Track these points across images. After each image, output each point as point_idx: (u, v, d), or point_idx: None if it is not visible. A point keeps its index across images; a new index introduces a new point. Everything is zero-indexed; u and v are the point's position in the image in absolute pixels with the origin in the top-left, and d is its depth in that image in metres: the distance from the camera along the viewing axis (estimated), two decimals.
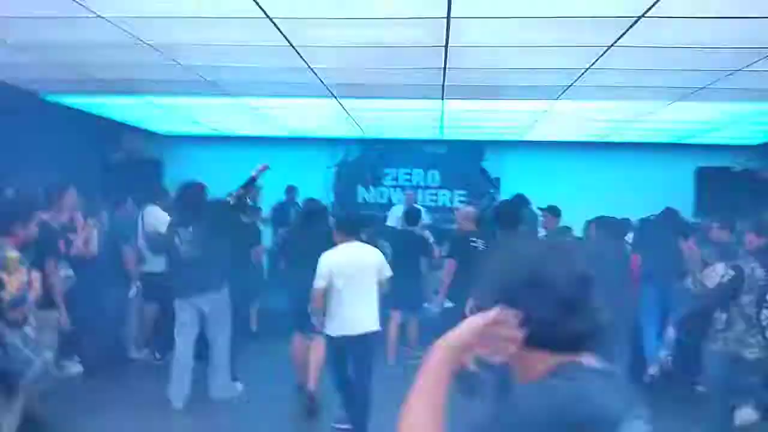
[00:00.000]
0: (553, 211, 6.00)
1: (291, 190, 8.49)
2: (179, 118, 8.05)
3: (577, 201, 7.76)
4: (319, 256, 4.06)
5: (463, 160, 9.98)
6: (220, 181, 7.32)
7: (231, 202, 4.94)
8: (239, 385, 5.06)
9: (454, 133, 8.87)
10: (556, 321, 1.08)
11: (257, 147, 9.64)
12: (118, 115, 7.99)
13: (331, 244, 4.20)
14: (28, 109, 6.59)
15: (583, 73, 5.01)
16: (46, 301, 4.06)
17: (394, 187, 10.12)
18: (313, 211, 5.43)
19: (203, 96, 6.52)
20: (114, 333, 5.94)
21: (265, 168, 5.23)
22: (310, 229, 5.05)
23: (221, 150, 9.70)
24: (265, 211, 7.68)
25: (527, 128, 8.13)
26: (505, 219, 4.65)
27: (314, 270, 4.02)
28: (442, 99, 6.35)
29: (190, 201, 4.91)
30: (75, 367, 5.39)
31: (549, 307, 1.08)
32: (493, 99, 6.30)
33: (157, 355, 5.83)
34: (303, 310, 4.37)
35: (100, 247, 5.28)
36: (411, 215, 6.40)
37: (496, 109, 6.74)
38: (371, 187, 10.17)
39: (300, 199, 8.10)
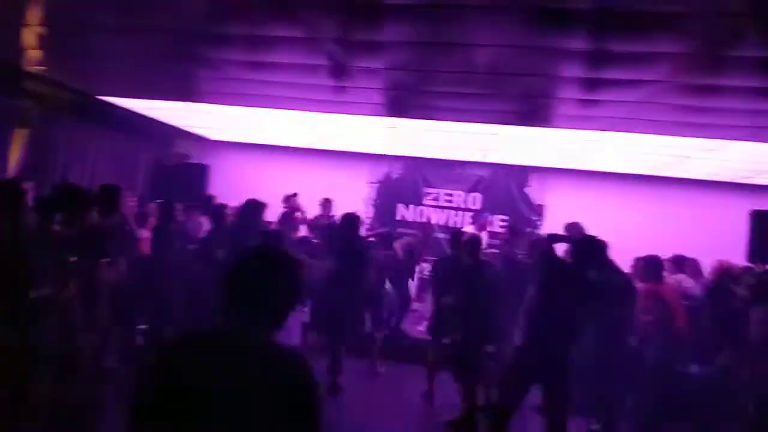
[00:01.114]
0: None
1: (326, 204, 8.46)
2: (228, 125, 8.24)
3: (624, 235, 7.54)
4: None
5: (507, 185, 9.84)
6: (263, 187, 7.51)
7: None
8: None
9: (497, 155, 8.76)
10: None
11: (300, 158, 9.82)
12: (170, 119, 8.23)
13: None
14: (84, 109, 6.87)
15: (636, 107, 4.88)
16: (91, 297, 4.18)
17: (434, 207, 10.05)
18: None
19: (251, 106, 6.66)
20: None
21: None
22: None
23: (266, 158, 9.90)
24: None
25: (574, 157, 7.96)
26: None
27: None
28: (489, 123, 6.30)
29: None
30: (113, 361, 5.52)
31: None
32: (542, 127, 6.20)
33: None
34: None
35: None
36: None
37: (544, 135, 6.62)
38: (411, 206, 10.13)
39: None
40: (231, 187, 8.65)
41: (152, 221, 6.09)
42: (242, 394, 1.45)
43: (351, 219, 5.53)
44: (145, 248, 5.52)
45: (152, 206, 6.54)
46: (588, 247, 3.91)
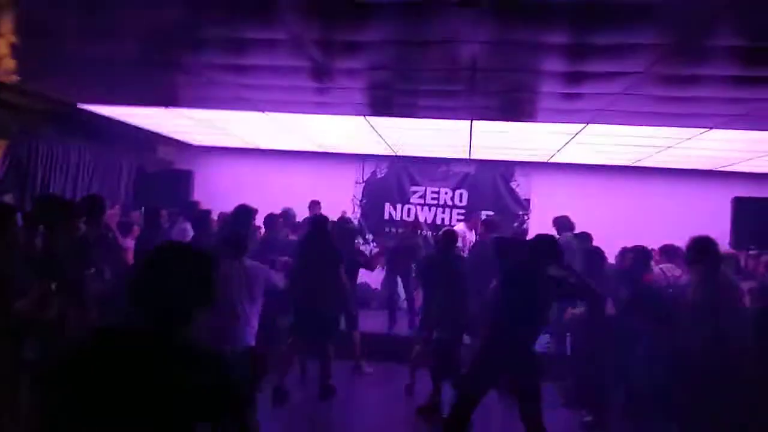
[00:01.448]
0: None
1: (314, 205, 8.41)
2: (211, 129, 8.18)
3: (610, 226, 7.62)
4: None
5: (493, 180, 9.88)
6: (251, 192, 7.47)
7: None
8: None
9: (483, 152, 8.79)
10: None
11: (287, 160, 9.79)
12: (152, 125, 8.15)
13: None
14: (64, 119, 6.78)
15: (615, 99, 4.91)
16: (78, 309, 4.11)
17: (422, 205, 10.07)
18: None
19: (232, 110, 6.62)
20: None
21: None
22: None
23: (252, 162, 9.85)
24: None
25: (557, 150, 8.00)
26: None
27: None
28: (471, 120, 6.31)
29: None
30: None
31: None
32: (524, 122, 6.23)
33: None
34: None
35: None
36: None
37: (527, 129, 6.65)
38: (398, 205, 10.14)
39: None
40: (217, 192, 8.61)
41: (137, 230, 6.04)
42: (149, 392, 1.45)
43: (319, 221, 5.52)
44: (130, 257, 5.46)
45: (136, 215, 6.49)
46: (542, 247, 3.97)
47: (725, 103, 4.93)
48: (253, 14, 3.54)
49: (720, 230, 6.57)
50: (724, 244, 6.38)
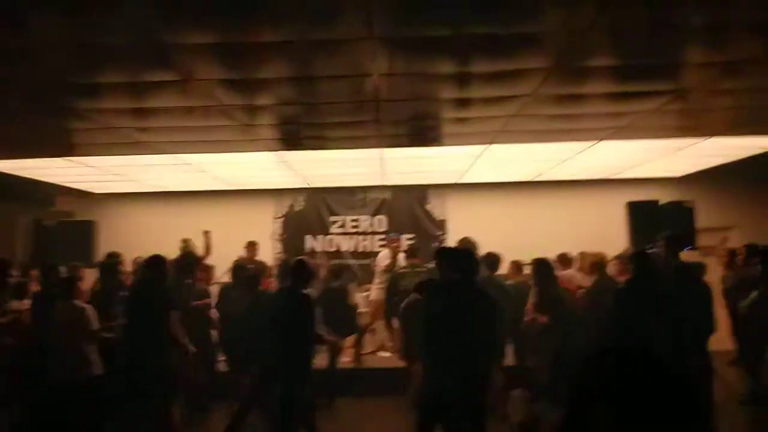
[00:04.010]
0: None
1: (251, 247, 8.06)
2: (114, 176, 7.83)
3: (520, 238, 7.99)
4: None
5: (409, 204, 10.09)
6: (163, 237, 7.18)
7: None
8: None
9: (396, 177, 8.98)
10: None
11: (199, 201, 9.51)
12: (49, 176, 7.70)
13: None
14: None
15: (511, 120, 5.21)
16: None
17: (342, 234, 10.09)
18: None
19: (136, 155, 6.39)
20: None
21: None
22: None
23: (161, 206, 9.50)
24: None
25: (466, 171, 8.32)
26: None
27: None
28: (380, 148, 6.46)
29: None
30: None
31: None
32: (430, 146, 6.44)
33: None
34: None
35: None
36: None
37: (435, 154, 6.88)
38: (319, 236, 10.10)
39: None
40: (125, 241, 8.20)
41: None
42: None
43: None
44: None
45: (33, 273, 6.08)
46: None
47: (608, 117, 5.35)
48: (150, 58, 3.49)
49: (620, 234, 7.10)
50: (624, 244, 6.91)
